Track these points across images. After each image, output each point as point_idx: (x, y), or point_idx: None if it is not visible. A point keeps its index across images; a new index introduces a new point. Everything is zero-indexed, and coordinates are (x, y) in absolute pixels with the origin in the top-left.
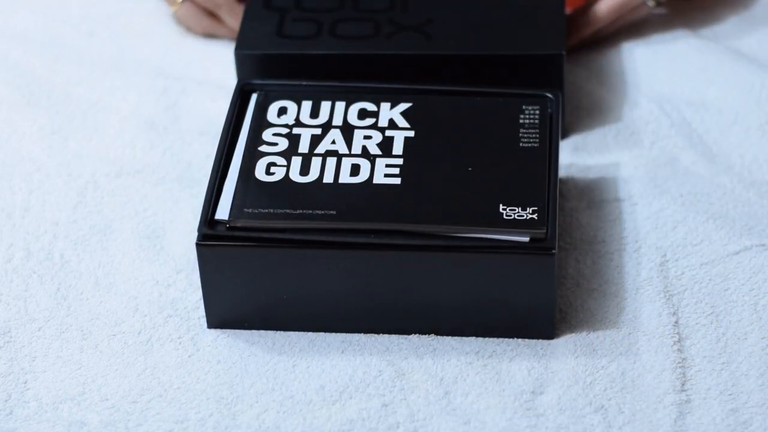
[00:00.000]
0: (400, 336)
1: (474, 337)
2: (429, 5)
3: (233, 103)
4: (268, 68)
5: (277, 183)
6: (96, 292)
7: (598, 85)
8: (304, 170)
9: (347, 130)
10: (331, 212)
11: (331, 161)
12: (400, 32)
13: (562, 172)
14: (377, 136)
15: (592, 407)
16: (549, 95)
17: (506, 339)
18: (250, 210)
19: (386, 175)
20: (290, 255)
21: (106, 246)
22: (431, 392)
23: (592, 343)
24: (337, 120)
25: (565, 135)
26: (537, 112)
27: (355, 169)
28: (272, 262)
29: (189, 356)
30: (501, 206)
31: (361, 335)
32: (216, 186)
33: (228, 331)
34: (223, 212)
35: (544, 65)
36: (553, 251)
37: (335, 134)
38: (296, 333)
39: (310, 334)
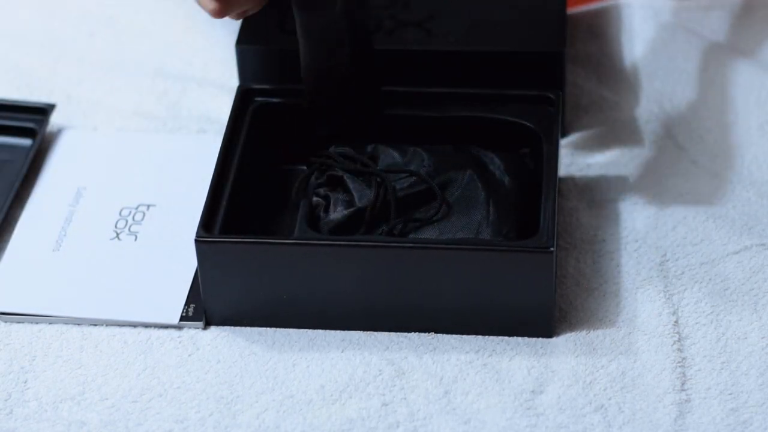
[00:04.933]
0: (400, 334)
1: (474, 336)
2: (430, 2)
3: (234, 108)
4: (269, 63)
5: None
6: None
7: (598, 84)
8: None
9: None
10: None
11: None
12: (401, 28)
13: (562, 171)
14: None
15: (592, 406)
16: (549, 95)
17: (506, 338)
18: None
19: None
20: (290, 252)
21: None
22: (431, 391)
23: (592, 342)
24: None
25: (565, 134)
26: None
27: None
28: (272, 258)
29: (189, 355)
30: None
31: (361, 333)
32: (214, 193)
33: (228, 329)
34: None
35: (545, 63)
36: (552, 249)
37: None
38: (296, 331)
39: (310, 332)
